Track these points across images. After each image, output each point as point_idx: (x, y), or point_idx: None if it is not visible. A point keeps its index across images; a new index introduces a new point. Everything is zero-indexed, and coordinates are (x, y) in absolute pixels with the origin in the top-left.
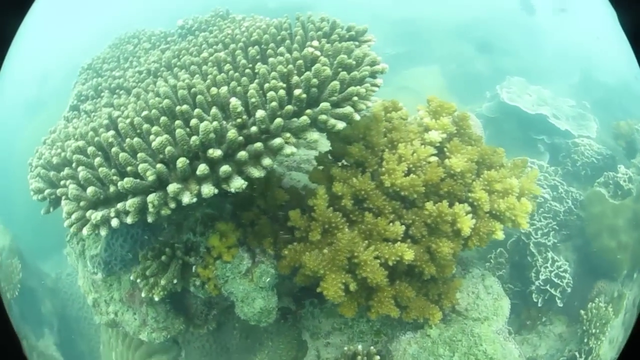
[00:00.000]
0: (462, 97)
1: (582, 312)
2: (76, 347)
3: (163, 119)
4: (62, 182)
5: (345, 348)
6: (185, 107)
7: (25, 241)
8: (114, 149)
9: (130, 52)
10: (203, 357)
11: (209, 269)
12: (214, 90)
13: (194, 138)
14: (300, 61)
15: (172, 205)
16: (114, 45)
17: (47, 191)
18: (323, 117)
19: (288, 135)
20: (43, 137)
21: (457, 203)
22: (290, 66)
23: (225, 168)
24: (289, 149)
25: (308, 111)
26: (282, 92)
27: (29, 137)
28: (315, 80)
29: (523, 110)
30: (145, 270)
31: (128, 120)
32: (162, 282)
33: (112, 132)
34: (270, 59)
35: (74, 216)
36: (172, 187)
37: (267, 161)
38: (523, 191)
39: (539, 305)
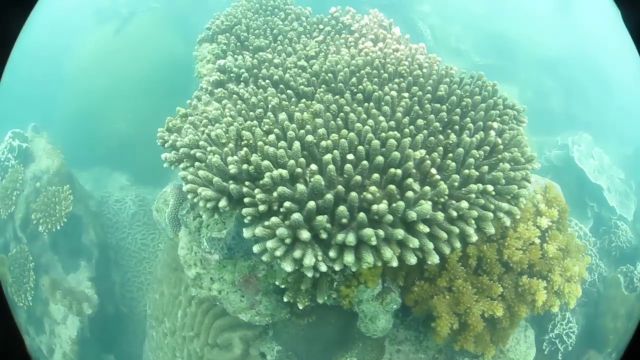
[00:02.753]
0: (530, 127)
1: None
2: (109, 277)
3: (375, 176)
4: (247, 200)
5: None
6: (399, 171)
7: (68, 154)
8: (328, 196)
9: (279, 29)
10: (292, 341)
11: (351, 289)
12: (417, 154)
13: (412, 214)
14: (487, 147)
15: (379, 264)
16: (253, 8)
17: (222, 202)
18: (501, 214)
19: (473, 222)
20: (182, 109)
21: (540, 279)
22: (481, 152)
23: (430, 245)
24: (474, 238)
25: (492, 206)
26: (480, 186)
27: (92, 46)
28: (503, 181)
29: (586, 174)
30: (297, 282)
31: (330, 157)
32: (319, 299)
33: (323, 182)
34: (464, 137)
35: (277, 252)
36: (388, 254)
37: (457, 244)
38: (579, 275)
39: (545, 352)
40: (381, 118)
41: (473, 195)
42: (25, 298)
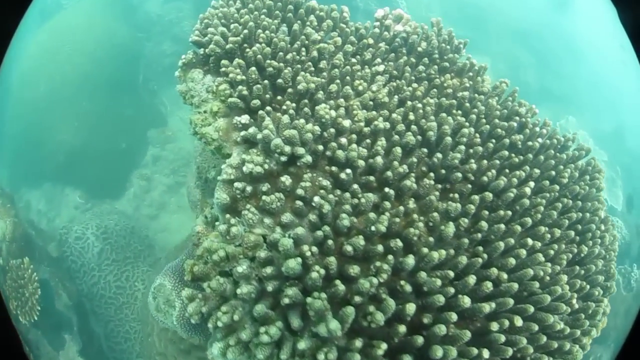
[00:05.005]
0: None
1: None
2: (93, 333)
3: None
4: None
5: None
6: (562, 325)
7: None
8: None
9: (318, 49)
10: None
11: None
12: (567, 288)
13: None
14: (603, 252)
15: None
16: (265, 6)
17: None
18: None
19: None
20: (209, 240)
21: None
22: (601, 261)
23: None
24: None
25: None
26: (603, 305)
27: (33, 50)
28: (613, 290)
29: None
30: None
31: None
32: None
33: None
34: (592, 247)
35: None
36: None
37: None
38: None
39: None
40: (530, 240)
41: (598, 320)
42: None
